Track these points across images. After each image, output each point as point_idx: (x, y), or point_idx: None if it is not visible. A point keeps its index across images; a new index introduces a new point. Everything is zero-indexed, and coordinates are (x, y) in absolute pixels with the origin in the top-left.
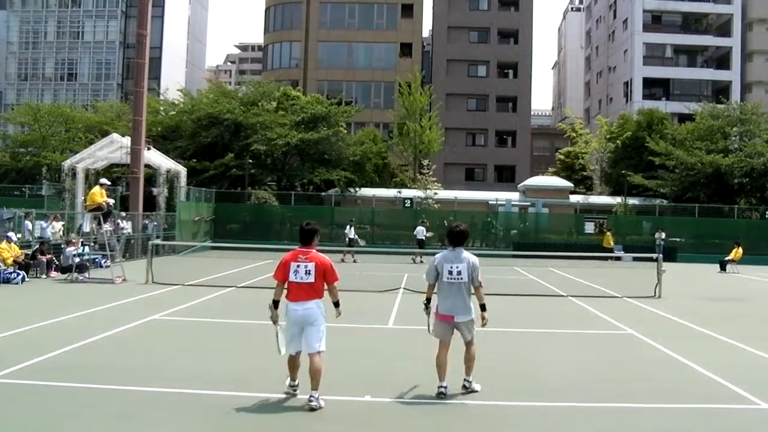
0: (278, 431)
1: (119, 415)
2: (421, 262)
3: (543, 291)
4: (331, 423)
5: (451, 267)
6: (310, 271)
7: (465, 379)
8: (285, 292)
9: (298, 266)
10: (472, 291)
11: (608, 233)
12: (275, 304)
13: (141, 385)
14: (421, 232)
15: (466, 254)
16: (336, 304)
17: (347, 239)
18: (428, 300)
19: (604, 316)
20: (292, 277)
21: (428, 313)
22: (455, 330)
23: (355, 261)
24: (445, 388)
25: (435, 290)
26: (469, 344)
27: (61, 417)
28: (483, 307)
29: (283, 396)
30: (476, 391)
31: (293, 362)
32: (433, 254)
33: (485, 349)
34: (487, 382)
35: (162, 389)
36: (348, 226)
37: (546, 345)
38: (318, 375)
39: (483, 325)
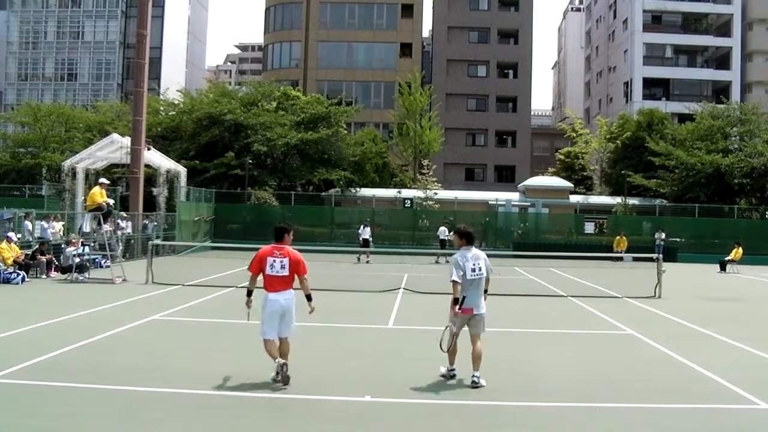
0: (278, 431)
1: (119, 415)
2: (447, 262)
3: (543, 291)
4: (331, 423)
5: (474, 265)
6: (284, 265)
7: (474, 375)
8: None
9: (274, 261)
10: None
11: (622, 237)
12: (249, 293)
13: (141, 385)
14: (443, 232)
15: (478, 252)
16: (308, 298)
17: (362, 239)
18: (456, 300)
19: (604, 316)
20: (268, 271)
21: (456, 313)
22: (467, 323)
23: (357, 261)
24: (456, 370)
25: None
26: (477, 338)
27: (61, 417)
28: (485, 291)
29: (283, 396)
30: (483, 386)
31: (274, 346)
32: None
33: (485, 348)
34: (487, 382)
35: (162, 389)
36: (362, 226)
37: (546, 345)
38: (288, 352)
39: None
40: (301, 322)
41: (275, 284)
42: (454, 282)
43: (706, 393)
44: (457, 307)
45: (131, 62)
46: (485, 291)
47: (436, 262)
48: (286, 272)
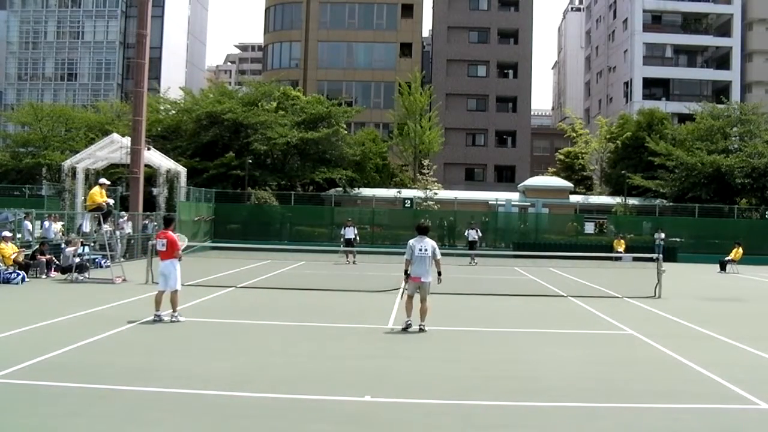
0: (277, 431)
1: (119, 415)
2: (475, 263)
3: (543, 291)
4: (331, 423)
5: (420, 246)
6: (164, 243)
7: (420, 324)
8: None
9: (158, 242)
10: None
11: (619, 240)
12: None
13: (141, 385)
14: (471, 234)
15: (428, 239)
16: (179, 259)
17: (344, 239)
18: (406, 271)
19: (604, 316)
20: (158, 247)
21: (407, 281)
22: (418, 288)
23: (353, 262)
24: (411, 322)
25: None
26: (424, 300)
27: (62, 417)
28: (439, 273)
29: (284, 396)
30: (425, 331)
31: (159, 298)
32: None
33: (485, 348)
34: (486, 382)
35: (162, 389)
36: (344, 227)
37: (546, 345)
38: (176, 302)
39: (438, 283)
40: (302, 322)
41: (161, 255)
42: (406, 260)
43: (706, 393)
44: (405, 277)
45: (131, 62)
46: (439, 273)
47: (471, 263)
48: (165, 248)
